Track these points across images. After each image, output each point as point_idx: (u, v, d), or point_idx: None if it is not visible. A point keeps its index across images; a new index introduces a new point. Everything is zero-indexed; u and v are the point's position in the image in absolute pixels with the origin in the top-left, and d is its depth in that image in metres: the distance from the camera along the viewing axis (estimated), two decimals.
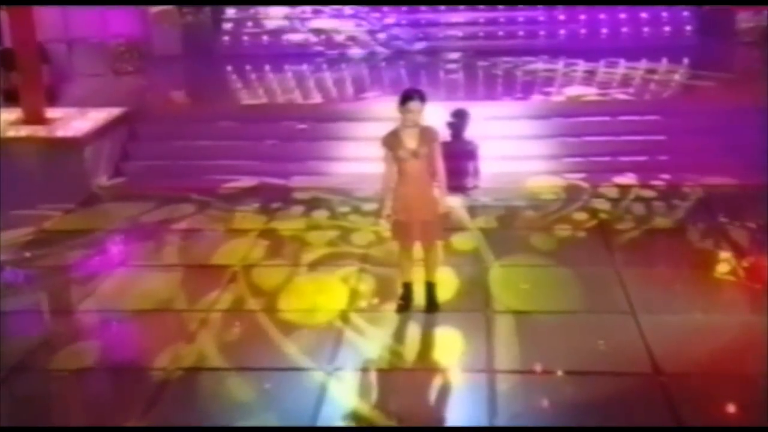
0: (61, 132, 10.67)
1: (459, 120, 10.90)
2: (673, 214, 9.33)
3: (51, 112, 11.24)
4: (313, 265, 8.30)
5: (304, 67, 14.29)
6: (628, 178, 10.27)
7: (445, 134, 10.57)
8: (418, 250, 7.31)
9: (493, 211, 9.54)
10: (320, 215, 9.63)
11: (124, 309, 7.58)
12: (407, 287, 7.37)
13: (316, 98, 12.39)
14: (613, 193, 9.95)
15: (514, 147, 10.82)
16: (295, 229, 9.24)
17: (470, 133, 10.85)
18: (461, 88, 12.80)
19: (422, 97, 6.91)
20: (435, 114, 10.54)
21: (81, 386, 6.45)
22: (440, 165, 7.05)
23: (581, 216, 9.31)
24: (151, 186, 10.51)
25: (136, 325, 7.37)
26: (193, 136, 11.37)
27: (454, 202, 9.37)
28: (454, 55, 14.57)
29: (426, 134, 6.97)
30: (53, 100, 12.04)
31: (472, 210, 9.57)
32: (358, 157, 10.42)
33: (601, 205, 9.60)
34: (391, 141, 6.99)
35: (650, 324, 6.96)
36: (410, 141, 6.93)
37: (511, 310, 7.31)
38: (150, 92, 13.25)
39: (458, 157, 10.36)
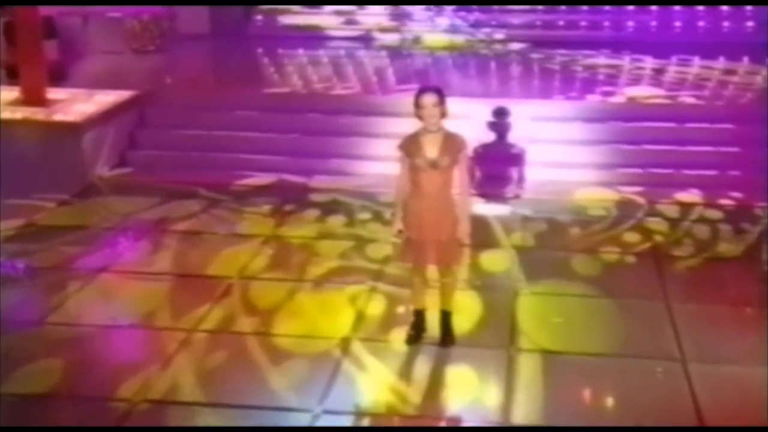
0: (61, 115, 10.22)
1: (504, 119, 10.28)
2: (741, 240, 8.50)
3: (54, 93, 10.82)
4: (319, 281, 7.70)
5: (341, 53, 13.75)
6: (692, 195, 9.50)
7: (487, 135, 10.07)
8: (434, 271, 6.63)
9: (533, 226, 8.88)
10: (336, 221, 9.03)
11: (96, 323, 6.99)
12: (419, 315, 6.72)
13: (351, 88, 11.77)
14: (672, 211, 9.17)
15: (563, 153, 10.18)
16: (306, 236, 8.66)
17: (515, 134, 10.20)
18: (511, 83, 12.16)
19: (439, 93, 6.23)
20: (478, 111, 10.21)
21: (26, 417, 5.85)
22: (465, 180, 6.43)
23: (633, 237, 8.56)
24: (157, 178, 10.10)
25: (107, 343, 6.77)
26: (208, 125, 10.89)
27: (491, 212, 8.91)
28: (507, 46, 13.89)
29: (450, 142, 6.29)
30: (61, 79, 11.63)
31: (509, 223, 8.91)
32: (389, 157, 9.65)
33: (657, 225, 8.84)
34: (409, 146, 6.35)
35: (703, 375, 6.18)
36: (431, 149, 6.28)
37: (539, 348, 6.59)
38: (168, 74, 12.78)
39: (500, 162, 9.91)
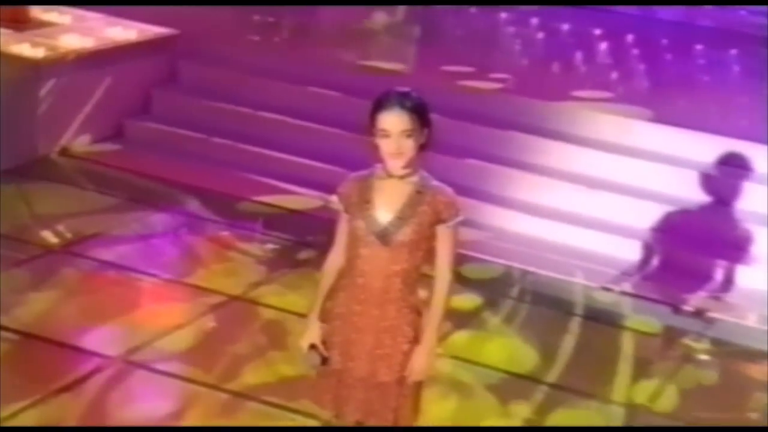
0: (27, 46, 9.44)
1: (731, 175, 8.87)
2: None
3: (48, 13, 10.30)
4: (245, 398, 6.31)
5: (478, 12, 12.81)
6: None
7: (695, 193, 8.85)
8: None
9: (692, 370, 7.30)
10: None
11: None
12: None
13: (481, 77, 10.38)
14: None
15: None
16: (290, 309, 7.25)
17: (750, 203, 8.76)
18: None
19: (417, 110, 4.61)
20: (689, 149, 8.99)
21: None
22: (445, 272, 4.82)
23: None
24: (147, 167, 9.35)
25: None
26: (254, 99, 9.95)
27: (638, 330, 7.57)
28: None
29: (424, 202, 4.71)
30: None
31: (654, 355, 7.40)
32: (521, 202, 8.93)
33: None
34: (352, 194, 4.85)
35: None
36: (385, 207, 4.74)
37: None
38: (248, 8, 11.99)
39: (701, 242, 8.65)
